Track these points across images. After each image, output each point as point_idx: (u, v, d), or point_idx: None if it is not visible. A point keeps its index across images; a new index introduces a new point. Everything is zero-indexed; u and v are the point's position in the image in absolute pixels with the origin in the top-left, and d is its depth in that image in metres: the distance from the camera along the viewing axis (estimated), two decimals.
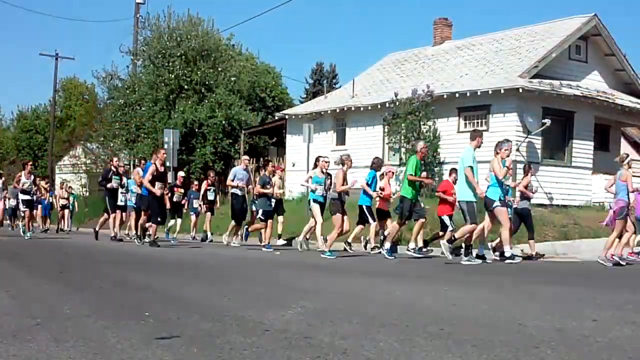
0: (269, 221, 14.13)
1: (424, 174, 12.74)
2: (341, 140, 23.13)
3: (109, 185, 16.21)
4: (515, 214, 12.15)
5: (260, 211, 14.05)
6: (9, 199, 19.64)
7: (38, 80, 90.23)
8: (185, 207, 18.64)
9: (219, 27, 31.39)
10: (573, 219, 15.75)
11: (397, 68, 24.95)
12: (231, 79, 28.73)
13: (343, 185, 12.43)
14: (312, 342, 3.63)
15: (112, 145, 32.10)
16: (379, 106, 21.13)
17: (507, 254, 10.65)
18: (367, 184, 13.30)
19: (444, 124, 19.78)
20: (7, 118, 52.06)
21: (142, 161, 17.32)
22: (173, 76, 27.77)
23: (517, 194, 12.62)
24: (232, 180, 14.82)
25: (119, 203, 16.53)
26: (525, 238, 12.48)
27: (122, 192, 16.60)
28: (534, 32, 21.61)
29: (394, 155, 20.45)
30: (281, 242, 15.51)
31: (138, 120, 28.48)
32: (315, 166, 13.38)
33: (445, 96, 19.44)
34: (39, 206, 22.28)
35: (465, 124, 19.71)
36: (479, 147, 10.97)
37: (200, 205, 18.14)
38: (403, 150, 20.38)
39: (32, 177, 17.04)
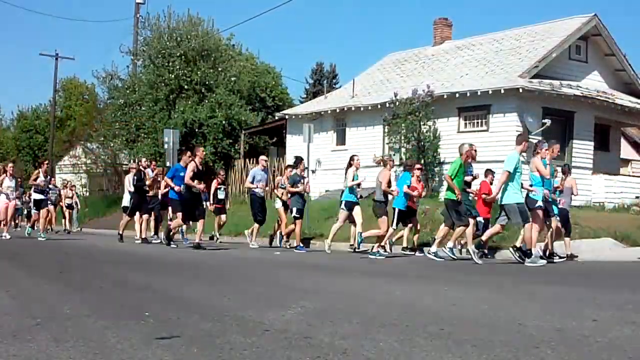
0: (299, 221, 14.20)
1: (468, 177, 12.37)
2: (341, 140, 23.14)
3: (139, 187, 15.68)
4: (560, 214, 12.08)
5: (294, 209, 14.13)
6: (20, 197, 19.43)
7: (38, 80, 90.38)
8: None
9: (219, 27, 31.41)
10: (573, 219, 15.71)
11: (397, 68, 24.95)
12: (231, 79, 28.74)
13: (389, 186, 12.38)
14: (312, 342, 3.63)
15: (112, 145, 32.13)
16: (379, 106, 21.13)
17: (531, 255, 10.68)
18: (407, 186, 13.04)
19: (444, 124, 19.78)
20: (7, 118, 52.13)
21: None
22: (173, 76, 27.78)
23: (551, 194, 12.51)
24: (252, 182, 14.92)
25: (126, 204, 16.39)
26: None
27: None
28: (534, 32, 21.62)
29: (394, 155, 20.42)
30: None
31: (138, 120, 28.50)
32: (350, 165, 13.32)
33: (445, 96, 19.44)
34: (55, 207, 22.17)
35: (465, 124, 19.72)
36: (525, 152, 10.99)
37: (208, 205, 17.51)
38: (403, 150, 20.39)
39: (49, 177, 16.82)
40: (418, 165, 14.31)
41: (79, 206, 26.12)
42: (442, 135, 19.68)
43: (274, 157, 25.86)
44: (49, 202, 17.67)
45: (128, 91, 29.27)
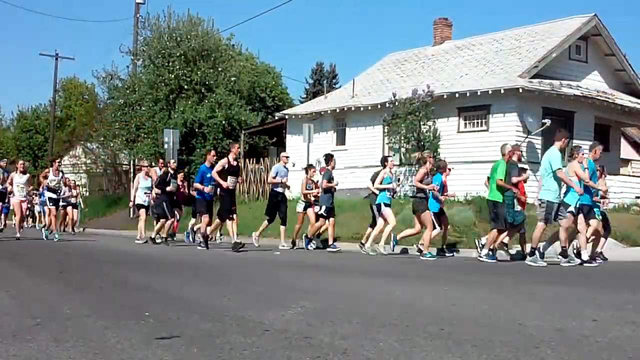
0: (332, 219, 13.92)
1: (521, 177, 12.11)
2: (341, 140, 23.14)
3: (168, 189, 15.57)
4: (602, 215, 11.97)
5: (323, 207, 13.89)
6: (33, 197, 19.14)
7: (38, 80, 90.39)
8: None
9: (219, 27, 31.35)
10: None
11: (397, 68, 24.95)
12: (231, 79, 28.72)
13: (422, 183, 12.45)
14: (312, 342, 3.63)
15: (112, 145, 32.12)
16: (379, 106, 21.13)
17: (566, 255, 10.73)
18: (437, 189, 12.82)
19: (444, 124, 19.78)
20: (7, 118, 52.10)
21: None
22: (173, 76, 27.76)
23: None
24: (274, 178, 14.79)
25: (141, 202, 16.36)
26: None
27: (145, 193, 16.41)
28: (534, 32, 21.62)
29: (394, 155, 20.43)
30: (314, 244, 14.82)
31: (138, 120, 28.49)
32: (384, 166, 13.29)
33: (445, 96, 19.44)
34: (70, 208, 22.06)
35: (465, 124, 19.72)
36: (565, 148, 11.03)
37: None
38: (403, 150, 20.39)
39: (61, 174, 16.59)
40: (449, 167, 13.95)
41: (82, 205, 26.06)
42: (442, 135, 19.67)
43: (274, 157, 25.84)
44: (63, 201, 17.34)
45: (128, 91, 29.25)
